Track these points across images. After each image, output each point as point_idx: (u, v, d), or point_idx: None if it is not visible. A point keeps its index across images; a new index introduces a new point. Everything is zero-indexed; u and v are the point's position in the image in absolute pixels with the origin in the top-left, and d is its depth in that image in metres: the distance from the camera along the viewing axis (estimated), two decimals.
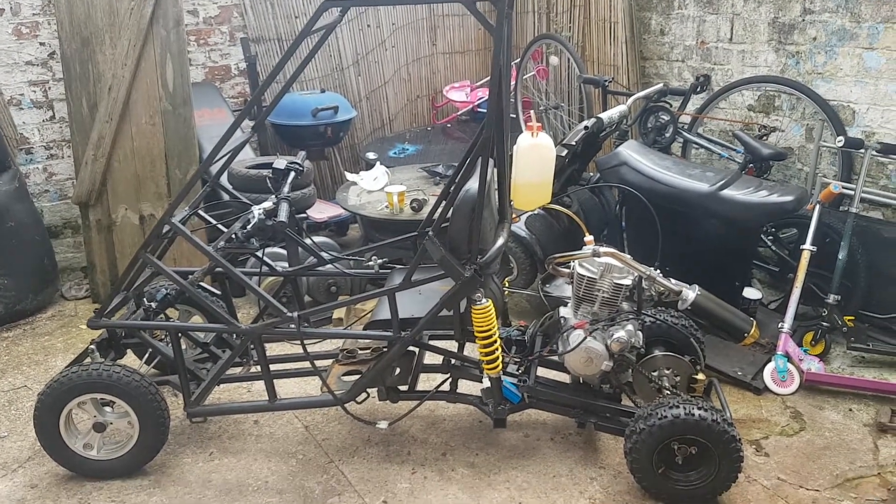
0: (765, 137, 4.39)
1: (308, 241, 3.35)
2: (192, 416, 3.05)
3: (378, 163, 4.94)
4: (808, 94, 4.21)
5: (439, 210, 2.96)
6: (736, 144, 4.48)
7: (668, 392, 2.92)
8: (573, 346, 2.85)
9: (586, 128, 3.80)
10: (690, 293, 2.84)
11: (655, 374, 2.98)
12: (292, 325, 2.84)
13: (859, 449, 3.09)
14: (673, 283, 2.88)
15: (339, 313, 4.06)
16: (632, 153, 3.86)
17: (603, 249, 2.86)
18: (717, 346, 3.62)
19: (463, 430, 3.25)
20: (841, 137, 3.80)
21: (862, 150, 3.80)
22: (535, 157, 2.98)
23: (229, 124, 5.24)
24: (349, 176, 4.86)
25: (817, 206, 3.75)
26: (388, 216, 4.24)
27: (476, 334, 2.76)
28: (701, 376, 2.98)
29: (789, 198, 3.48)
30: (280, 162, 3.25)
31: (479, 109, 6.12)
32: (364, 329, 2.97)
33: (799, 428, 3.23)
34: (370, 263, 3.34)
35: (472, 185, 2.65)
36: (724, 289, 3.51)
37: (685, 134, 4.69)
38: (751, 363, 3.60)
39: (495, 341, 2.77)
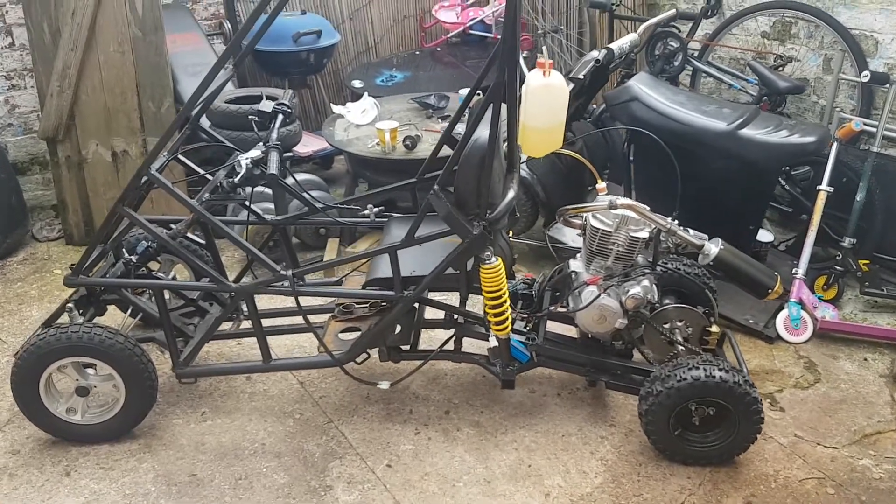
0: (780, 68, 4.14)
1: (294, 183, 3.07)
2: (181, 378, 2.88)
3: (365, 93, 4.63)
4: (827, 22, 3.94)
5: (446, 160, 2.70)
6: (748, 74, 4.23)
7: (681, 346, 2.78)
8: (586, 303, 2.69)
9: (597, 61, 3.52)
10: (713, 247, 2.67)
11: (667, 326, 2.83)
12: (286, 284, 2.65)
13: (876, 402, 3.00)
14: (693, 236, 2.70)
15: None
16: (643, 87, 3.60)
17: (620, 201, 2.66)
18: (726, 292, 3.45)
19: (465, 385, 3.12)
20: (867, 72, 3.57)
21: (886, 86, 3.58)
22: (547, 99, 2.68)
23: (203, 50, 4.93)
24: (335, 108, 4.54)
25: (835, 144, 3.57)
26: (380, 154, 3.97)
27: (484, 294, 2.58)
28: (714, 328, 2.84)
29: (811, 139, 3.27)
30: (266, 104, 2.96)
31: (470, 31, 5.75)
32: (363, 287, 2.78)
33: (814, 380, 3.14)
34: (366, 213, 3.11)
35: (481, 133, 2.41)
36: (738, 232, 3.38)
37: (695, 62, 4.43)
38: (762, 310, 3.47)
39: (505, 301, 2.59)
